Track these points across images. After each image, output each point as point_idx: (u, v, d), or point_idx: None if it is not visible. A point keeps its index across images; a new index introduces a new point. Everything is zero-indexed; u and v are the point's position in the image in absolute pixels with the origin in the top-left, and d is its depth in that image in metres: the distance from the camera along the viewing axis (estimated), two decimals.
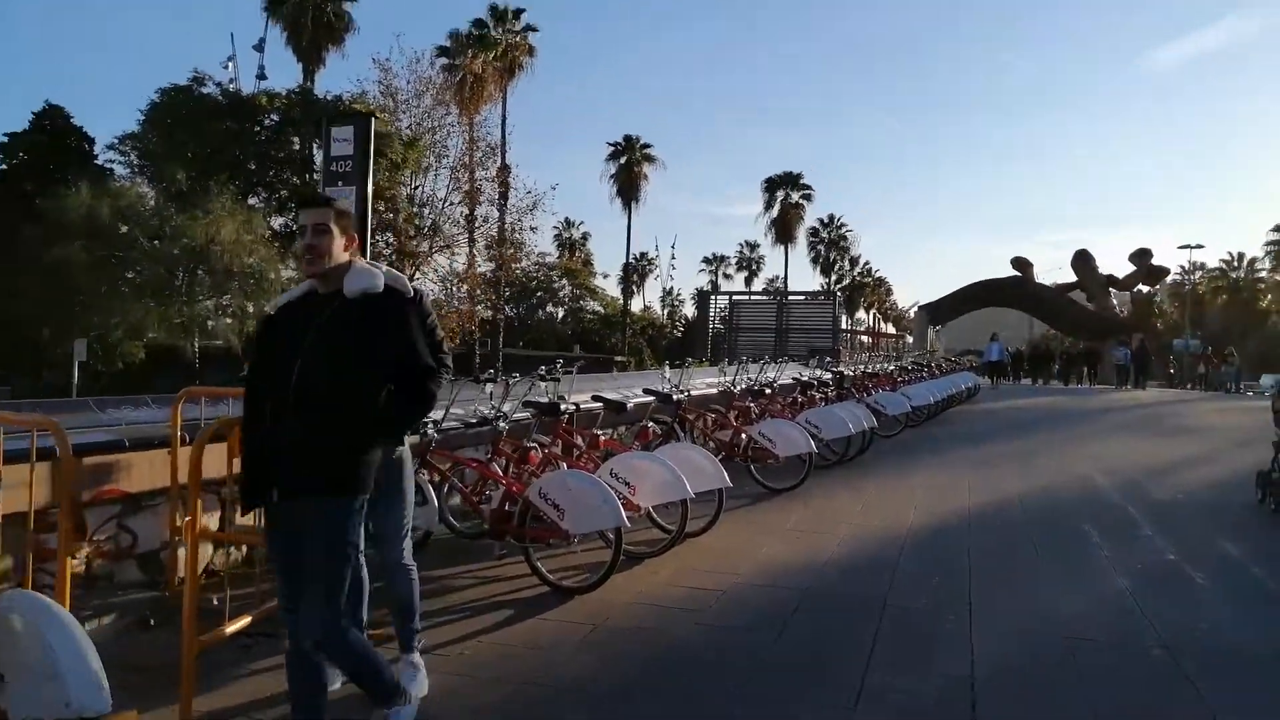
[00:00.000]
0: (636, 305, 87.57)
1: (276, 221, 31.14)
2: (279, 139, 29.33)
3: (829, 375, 12.20)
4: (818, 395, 10.61)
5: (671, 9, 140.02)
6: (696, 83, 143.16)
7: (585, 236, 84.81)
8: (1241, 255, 66.50)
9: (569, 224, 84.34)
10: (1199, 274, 70.24)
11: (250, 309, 26.58)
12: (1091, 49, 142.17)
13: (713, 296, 42.20)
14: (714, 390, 9.75)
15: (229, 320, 26.72)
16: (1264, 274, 63.93)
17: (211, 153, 26.86)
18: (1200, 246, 45.21)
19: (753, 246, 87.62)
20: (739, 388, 9.54)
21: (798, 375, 12.63)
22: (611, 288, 68.33)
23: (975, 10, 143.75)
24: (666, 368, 8.61)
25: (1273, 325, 62.01)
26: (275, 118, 29.21)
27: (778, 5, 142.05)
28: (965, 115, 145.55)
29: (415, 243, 31.20)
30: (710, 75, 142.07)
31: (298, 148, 30.07)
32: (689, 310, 33.72)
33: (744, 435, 8.29)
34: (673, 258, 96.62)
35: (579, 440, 6.50)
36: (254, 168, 28.42)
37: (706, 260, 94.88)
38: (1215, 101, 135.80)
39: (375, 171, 28.81)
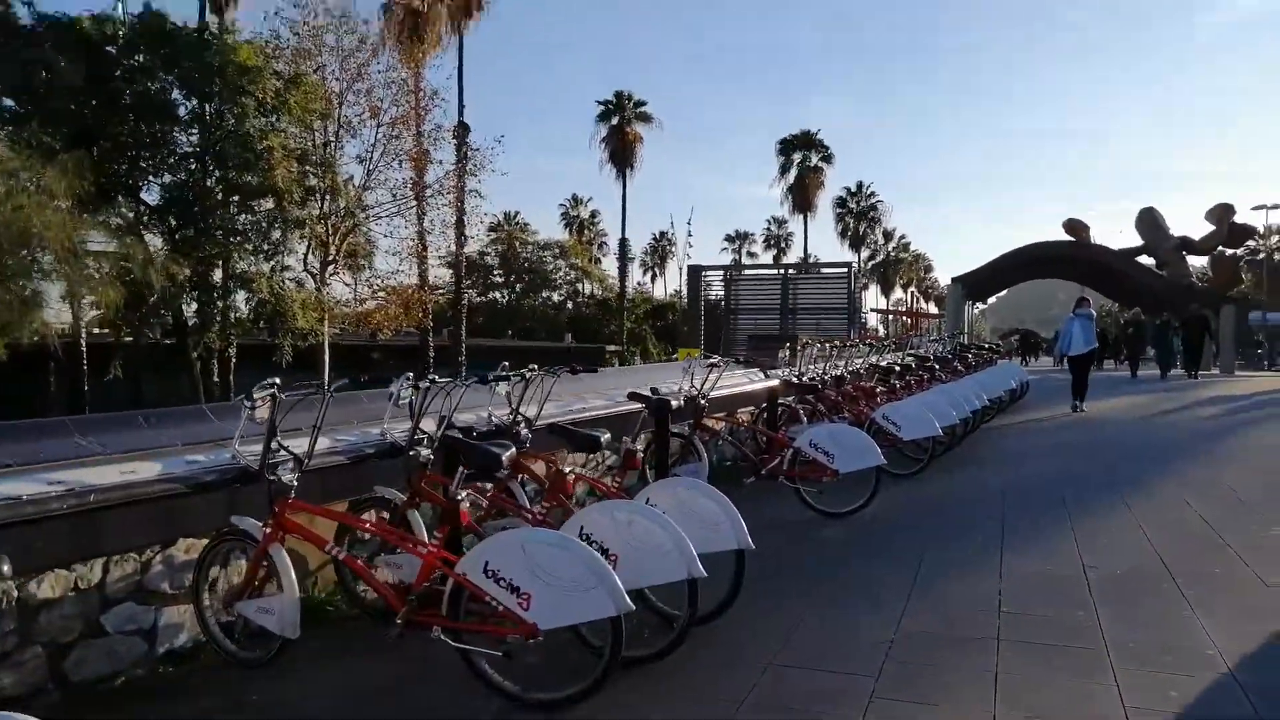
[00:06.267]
0: (660, 290, 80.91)
1: (151, 196, 24.68)
2: (123, 77, 22.89)
3: (683, 397, 5.43)
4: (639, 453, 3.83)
5: None
6: (725, 51, 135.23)
7: (594, 215, 78.38)
8: None
9: (576, 201, 77.88)
10: (1276, 238, 61.85)
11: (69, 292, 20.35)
12: (1144, 12, 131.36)
13: (703, 273, 35.08)
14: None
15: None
16: None
17: (14, 89, 20.58)
18: (1278, 207, 37.64)
19: (780, 222, 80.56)
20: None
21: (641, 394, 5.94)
22: (632, 270, 61.62)
23: None
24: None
25: None
26: (116, 52, 22.79)
27: None
28: (1007, 94, 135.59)
29: (303, 209, 24.60)
30: (741, 44, 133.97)
31: (151, 89, 23.66)
32: (717, 292, 27.92)
33: None
34: (689, 234, 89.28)
35: None
36: (82, 110, 21.96)
37: (729, 238, 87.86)
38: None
39: (244, 117, 22.93)
